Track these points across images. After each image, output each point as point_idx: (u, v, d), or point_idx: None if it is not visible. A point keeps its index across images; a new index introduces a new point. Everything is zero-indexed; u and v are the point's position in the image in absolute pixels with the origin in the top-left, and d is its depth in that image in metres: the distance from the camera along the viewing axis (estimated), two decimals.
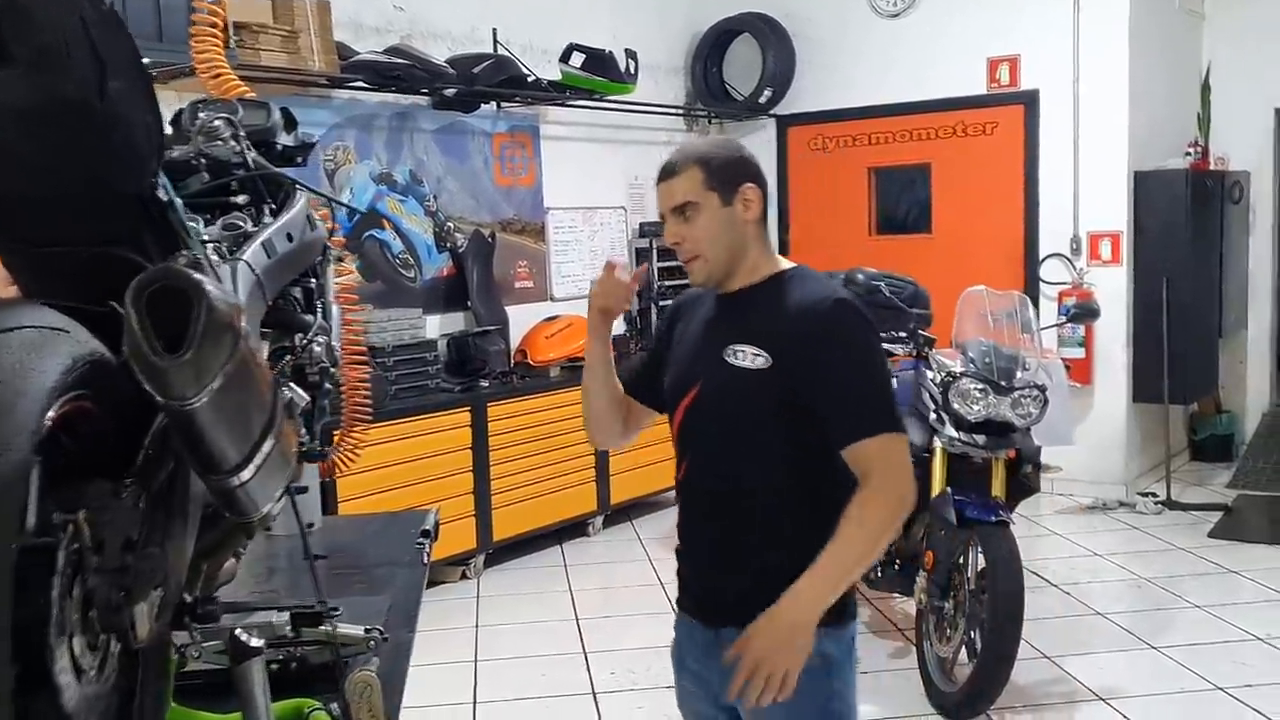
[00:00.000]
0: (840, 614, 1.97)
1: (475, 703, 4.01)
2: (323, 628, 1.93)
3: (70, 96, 1.18)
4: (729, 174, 2.00)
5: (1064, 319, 5.21)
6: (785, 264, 2.08)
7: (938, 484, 3.96)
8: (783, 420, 1.95)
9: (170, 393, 1.15)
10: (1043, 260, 6.68)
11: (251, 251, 1.77)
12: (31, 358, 1.11)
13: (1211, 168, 6.93)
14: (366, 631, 2.01)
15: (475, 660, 4.40)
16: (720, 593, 2.05)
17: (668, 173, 2.02)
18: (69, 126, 1.21)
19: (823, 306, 1.95)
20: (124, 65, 1.21)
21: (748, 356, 1.95)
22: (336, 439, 3.30)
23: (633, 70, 6.23)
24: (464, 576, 5.32)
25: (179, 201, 1.45)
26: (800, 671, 1.84)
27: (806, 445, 1.95)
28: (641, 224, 7.00)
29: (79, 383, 1.18)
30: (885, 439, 1.90)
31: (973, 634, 3.73)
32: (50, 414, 1.12)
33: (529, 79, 5.84)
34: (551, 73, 6.04)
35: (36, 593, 1.14)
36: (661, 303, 6.99)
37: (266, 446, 1.32)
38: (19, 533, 1.03)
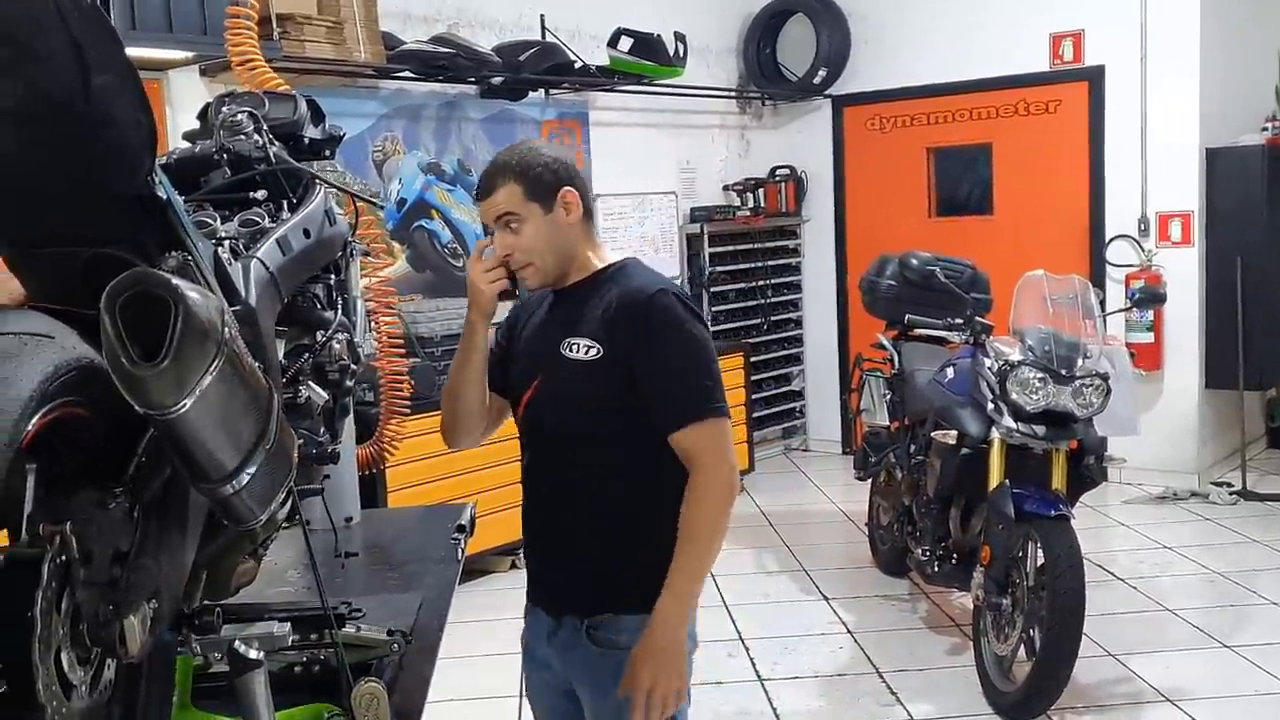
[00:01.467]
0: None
1: (521, 695, 3.97)
2: (346, 629, 1.90)
3: (54, 96, 1.15)
4: (546, 182, 2.04)
5: (1129, 303, 5.04)
6: (614, 258, 2.15)
7: (995, 476, 3.84)
8: (616, 410, 2.02)
9: (150, 402, 1.11)
10: (1109, 242, 6.47)
11: (266, 248, 1.73)
12: (7, 367, 1.07)
13: None
14: (390, 634, 1.98)
15: (522, 652, 4.36)
16: (561, 581, 2.14)
17: (486, 190, 2.05)
18: (54, 126, 1.18)
19: (642, 297, 2.02)
20: (109, 63, 1.17)
21: (581, 349, 2.03)
22: (376, 431, 3.30)
23: (682, 53, 6.14)
24: (514, 566, 5.30)
25: (178, 200, 1.40)
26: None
27: (639, 435, 2.01)
28: (693, 209, 6.92)
29: (64, 390, 1.15)
30: (705, 425, 1.99)
31: (1032, 632, 3.61)
32: (30, 425, 1.08)
33: (576, 65, 5.77)
34: (600, 58, 5.97)
35: (20, 607, 1.11)
36: (714, 289, 6.91)
37: (261, 452, 1.28)
38: None
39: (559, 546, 2.14)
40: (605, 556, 2.07)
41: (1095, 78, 6.45)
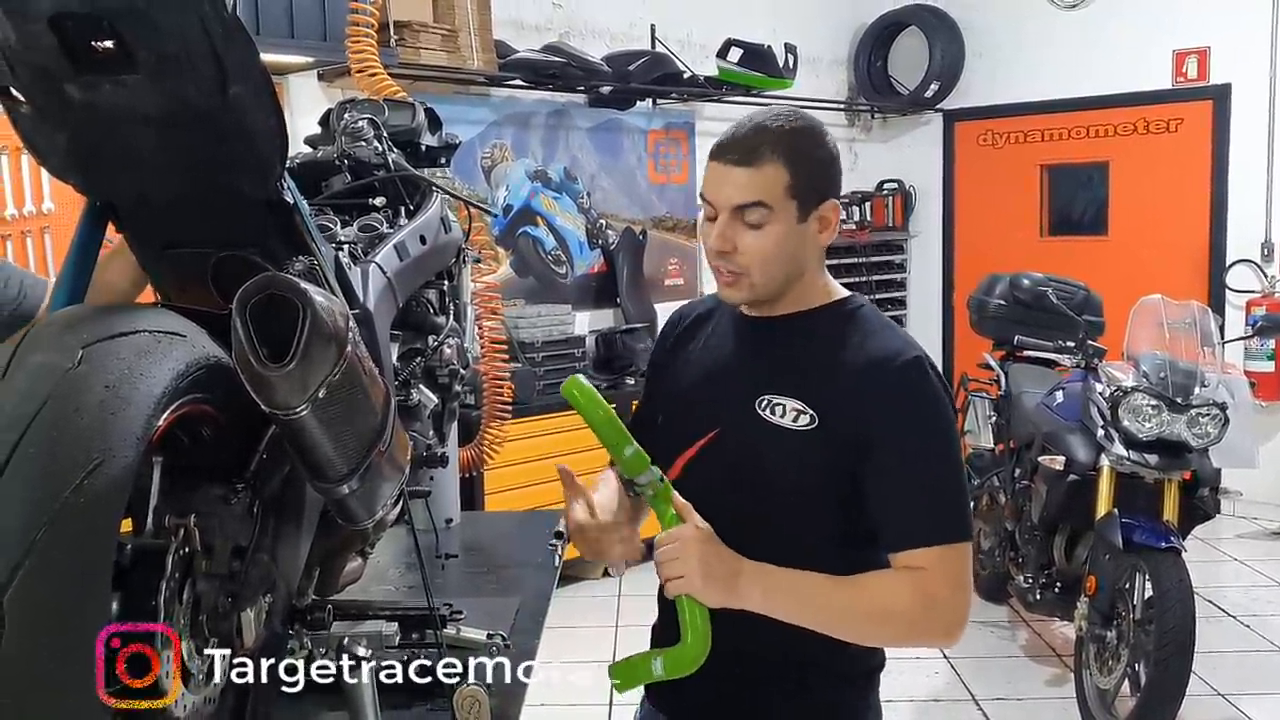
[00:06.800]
0: (869, 676, 1.61)
1: (611, 704, 3.98)
2: (447, 631, 1.93)
3: (193, 102, 1.18)
4: (817, 182, 1.52)
5: (1250, 331, 4.86)
6: (841, 292, 1.62)
7: (1104, 505, 3.73)
8: (821, 499, 1.50)
9: (275, 402, 1.14)
10: (1229, 266, 6.25)
11: (384, 254, 1.77)
12: (142, 363, 1.10)
13: None
14: (489, 637, 2.00)
15: (613, 662, 4.37)
16: (739, 705, 1.59)
17: (742, 155, 1.48)
18: (192, 132, 1.22)
19: (893, 365, 1.48)
20: (246, 71, 1.20)
21: (787, 412, 1.49)
22: (478, 434, 3.34)
23: (792, 65, 6.10)
24: (606, 574, 5.31)
25: (305, 205, 1.44)
26: None
27: (848, 534, 1.51)
28: None
29: (194, 387, 1.18)
30: (947, 550, 1.45)
31: (1137, 666, 3.50)
32: (161, 420, 1.12)
33: (685, 75, 5.79)
34: (709, 69, 5.97)
35: (144, 596, 1.14)
36: None
37: (376, 454, 1.30)
38: (115, 541, 1.02)
39: (739, 660, 1.53)
40: (797, 684, 1.57)
41: (1220, 96, 6.24)
